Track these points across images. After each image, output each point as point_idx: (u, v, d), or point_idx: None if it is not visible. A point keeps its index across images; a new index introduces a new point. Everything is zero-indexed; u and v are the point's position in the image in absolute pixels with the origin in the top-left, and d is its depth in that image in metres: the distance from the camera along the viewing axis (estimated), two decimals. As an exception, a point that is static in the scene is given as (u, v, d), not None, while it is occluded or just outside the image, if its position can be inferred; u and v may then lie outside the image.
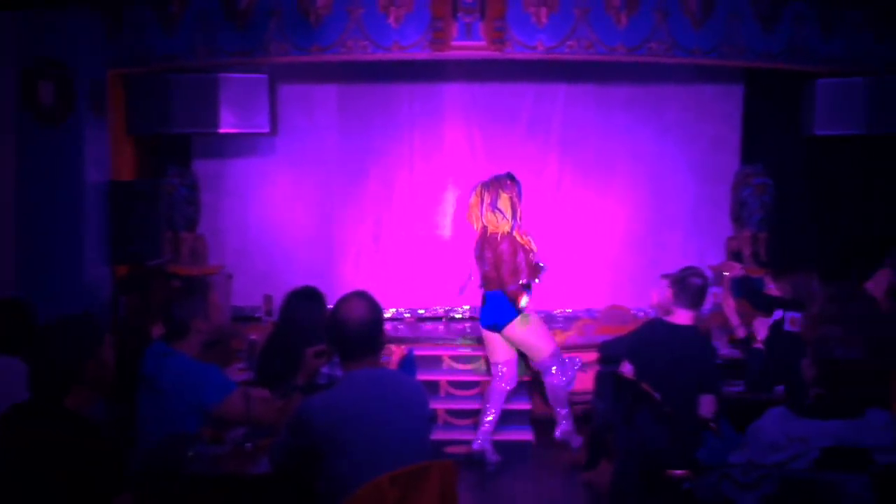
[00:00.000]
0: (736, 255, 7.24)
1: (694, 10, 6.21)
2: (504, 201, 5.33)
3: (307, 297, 3.97)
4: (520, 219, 5.38)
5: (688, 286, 3.94)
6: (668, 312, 4.11)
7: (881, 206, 6.87)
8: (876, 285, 4.76)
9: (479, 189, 5.53)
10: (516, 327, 5.40)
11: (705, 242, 7.65)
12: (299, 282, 4.29)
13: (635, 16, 6.15)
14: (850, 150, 6.83)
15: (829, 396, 2.74)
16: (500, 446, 5.59)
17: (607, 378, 4.18)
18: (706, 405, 3.69)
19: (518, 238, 5.35)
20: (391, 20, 6.13)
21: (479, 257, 5.50)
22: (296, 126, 7.23)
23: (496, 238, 5.31)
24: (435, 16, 6.07)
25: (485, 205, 5.39)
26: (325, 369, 3.22)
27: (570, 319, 7.12)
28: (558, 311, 7.44)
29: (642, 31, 6.19)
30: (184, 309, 3.24)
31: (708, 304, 7.25)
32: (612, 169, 7.57)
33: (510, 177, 5.51)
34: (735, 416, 3.87)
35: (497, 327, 5.50)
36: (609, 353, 4.35)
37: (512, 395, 5.78)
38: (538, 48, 6.16)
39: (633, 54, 6.24)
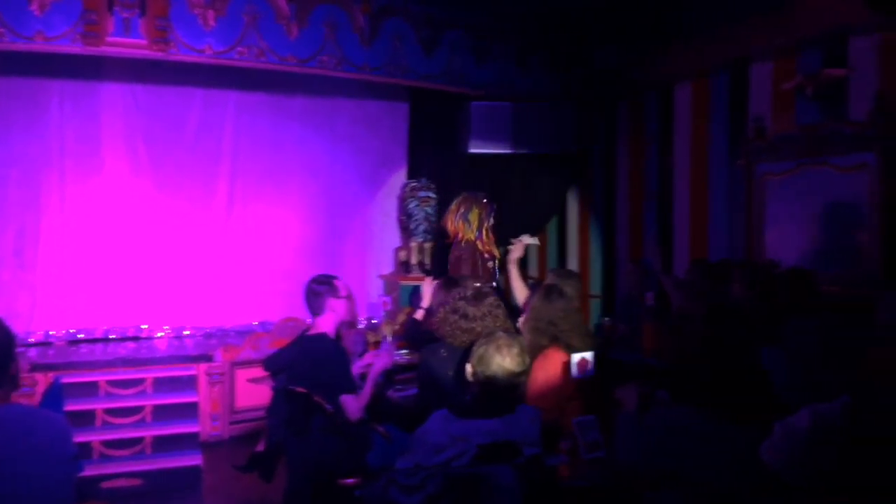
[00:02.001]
0: (404, 264, 7.59)
1: (362, 27, 6.41)
2: (474, 215, 6.09)
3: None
4: (486, 232, 6.14)
5: (307, 293, 3.95)
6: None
7: (527, 216, 7.67)
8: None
9: (459, 199, 6.27)
10: None
11: (376, 252, 7.94)
12: (-89, 305, 3.58)
13: (306, 28, 6.17)
14: (500, 165, 7.54)
15: (485, 396, 2.91)
16: (167, 474, 5.22)
17: (279, 392, 4.08)
18: (349, 407, 3.73)
19: (479, 246, 6.03)
20: (34, 7, 5.42)
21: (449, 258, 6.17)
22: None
23: (460, 244, 6.05)
24: (87, 7, 5.50)
25: (458, 213, 6.14)
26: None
27: (243, 333, 6.92)
28: (235, 326, 7.25)
29: (313, 43, 6.24)
30: None
31: (379, 313, 7.56)
32: (285, 179, 7.53)
33: (486, 196, 6.35)
34: (410, 419, 3.97)
35: None
36: (273, 368, 4.25)
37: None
38: (206, 52, 5.90)
39: (305, 66, 6.26)
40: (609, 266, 7.61)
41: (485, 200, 6.33)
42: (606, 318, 6.28)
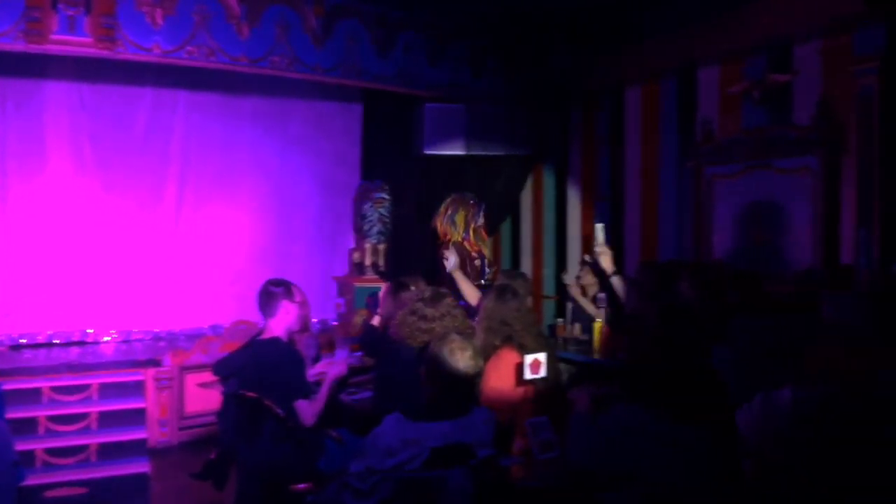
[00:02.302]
0: (358, 266, 7.55)
1: (315, 28, 6.35)
2: (460, 217, 6.25)
3: None
4: (473, 233, 6.34)
5: (261, 293, 3.90)
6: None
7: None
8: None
9: (448, 201, 6.40)
10: None
11: (330, 254, 7.88)
12: None
13: (257, 28, 6.09)
14: (454, 167, 7.55)
15: (439, 398, 2.91)
16: (113, 482, 5.10)
17: (229, 397, 4.02)
18: (303, 413, 3.67)
19: (467, 247, 6.17)
20: (-27, 5, 5.26)
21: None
22: None
23: (447, 245, 6.07)
24: (29, 4, 5.34)
25: (446, 216, 6.26)
26: None
27: (193, 337, 6.80)
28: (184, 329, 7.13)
29: (265, 43, 6.16)
30: None
31: (332, 315, 7.51)
32: (236, 181, 7.42)
33: (475, 198, 6.53)
34: (363, 423, 3.93)
35: None
36: (222, 373, 4.17)
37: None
38: (154, 51, 5.78)
39: (256, 66, 6.18)
40: (562, 267, 7.67)
41: (472, 202, 6.46)
42: (560, 319, 6.33)
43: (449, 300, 3.86)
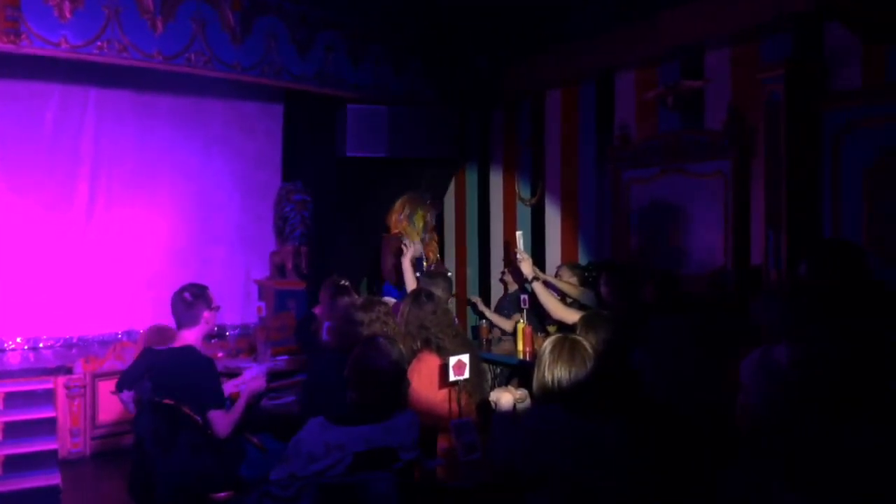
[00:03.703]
0: (280, 269, 7.43)
1: (233, 25, 6.21)
2: (419, 217, 6.28)
3: None
4: (430, 232, 6.36)
5: (179, 302, 3.78)
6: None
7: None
8: None
9: (403, 199, 6.36)
10: None
11: (250, 256, 7.74)
12: None
13: (172, 23, 5.90)
14: (378, 168, 7.51)
15: (363, 401, 2.88)
16: (21, 495, 4.87)
17: (145, 404, 3.88)
18: (217, 423, 3.56)
19: (419, 246, 6.11)
20: None
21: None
22: None
23: (393, 239, 6.04)
24: (-74, -5, 5.06)
25: (402, 213, 6.25)
26: None
27: (106, 343, 6.57)
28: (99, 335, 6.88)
29: (180, 40, 5.97)
30: None
31: (254, 318, 7.38)
32: (153, 182, 7.21)
33: (431, 198, 6.64)
34: (285, 428, 3.86)
35: None
36: (126, 383, 4.01)
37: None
38: (62, 45, 5.53)
39: (172, 63, 5.98)
40: (485, 269, 7.74)
41: (428, 201, 6.49)
42: (483, 321, 6.38)
43: (382, 307, 3.89)
